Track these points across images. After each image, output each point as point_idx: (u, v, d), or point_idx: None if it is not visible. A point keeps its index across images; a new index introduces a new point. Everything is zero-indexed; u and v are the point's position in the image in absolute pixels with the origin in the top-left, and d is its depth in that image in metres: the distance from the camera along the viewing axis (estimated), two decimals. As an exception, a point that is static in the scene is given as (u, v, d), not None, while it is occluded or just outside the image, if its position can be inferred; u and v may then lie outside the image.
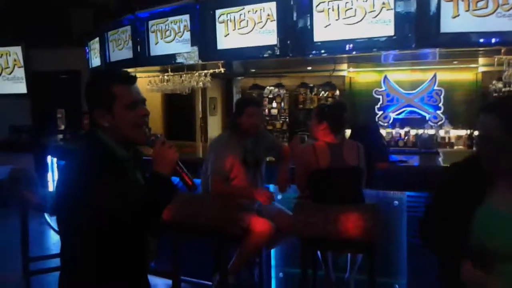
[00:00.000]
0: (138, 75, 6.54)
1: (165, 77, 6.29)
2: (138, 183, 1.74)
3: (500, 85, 6.74)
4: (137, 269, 1.75)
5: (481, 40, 3.98)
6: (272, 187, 3.65)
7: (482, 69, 7.04)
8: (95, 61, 7.28)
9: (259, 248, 3.23)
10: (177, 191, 1.71)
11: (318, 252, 3.30)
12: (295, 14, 4.49)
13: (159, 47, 5.65)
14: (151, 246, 1.79)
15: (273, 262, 3.89)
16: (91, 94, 1.72)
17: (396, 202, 3.54)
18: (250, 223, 3.14)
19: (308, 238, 2.83)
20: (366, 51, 4.38)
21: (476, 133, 1.54)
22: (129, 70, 6.70)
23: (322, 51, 4.45)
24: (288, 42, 4.54)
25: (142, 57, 5.85)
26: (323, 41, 4.38)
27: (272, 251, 3.82)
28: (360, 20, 4.20)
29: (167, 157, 1.66)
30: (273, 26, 4.57)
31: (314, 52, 4.46)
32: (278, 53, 4.60)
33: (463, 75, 7.29)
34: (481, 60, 6.80)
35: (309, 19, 4.40)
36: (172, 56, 5.52)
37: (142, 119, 1.70)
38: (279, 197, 3.65)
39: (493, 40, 3.92)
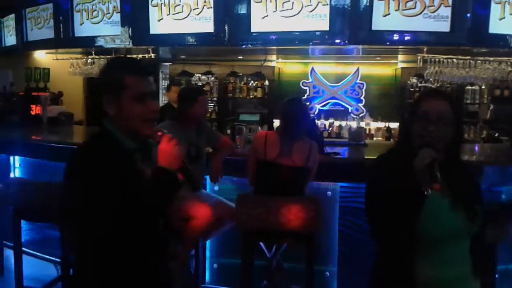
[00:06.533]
0: (58, 57, 6.10)
1: (89, 60, 5.96)
2: (145, 175, 1.71)
3: (414, 80, 7.23)
4: (146, 269, 1.69)
5: (408, 38, 4.21)
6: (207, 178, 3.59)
7: (401, 65, 7.46)
8: (10, 39, 6.68)
9: (201, 232, 3.15)
10: (181, 187, 1.69)
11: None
12: (232, 3, 4.44)
13: (84, 28, 5.33)
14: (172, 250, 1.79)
15: (208, 253, 3.86)
16: (103, 80, 1.70)
17: (329, 192, 3.66)
18: (190, 211, 3.05)
19: (251, 229, 2.84)
20: (303, 44, 4.45)
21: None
22: (50, 51, 6.36)
23: (259, 42, 4.45)
24: (226, 30, 4.48)
25: (65, 38, 5.47)
26: (260, 32, 4.38)
27: (207, 243, 3.79)
28: (297, 14, 4.25)
29: (173, 153, 1.65)
30: (209, 13, 4.49)
31: (251, 42, 4.45)
32: (214, 41, 4.53)
33: (384, 70, 7.67)
34: (401, 57, 7.21)
35: (246, 8, 4.37)
36: (100, 38, 5.23)
37: (151, 114, 1.66)
38: (216, 188, 3.62)
39: (420, 39, 4.16)
